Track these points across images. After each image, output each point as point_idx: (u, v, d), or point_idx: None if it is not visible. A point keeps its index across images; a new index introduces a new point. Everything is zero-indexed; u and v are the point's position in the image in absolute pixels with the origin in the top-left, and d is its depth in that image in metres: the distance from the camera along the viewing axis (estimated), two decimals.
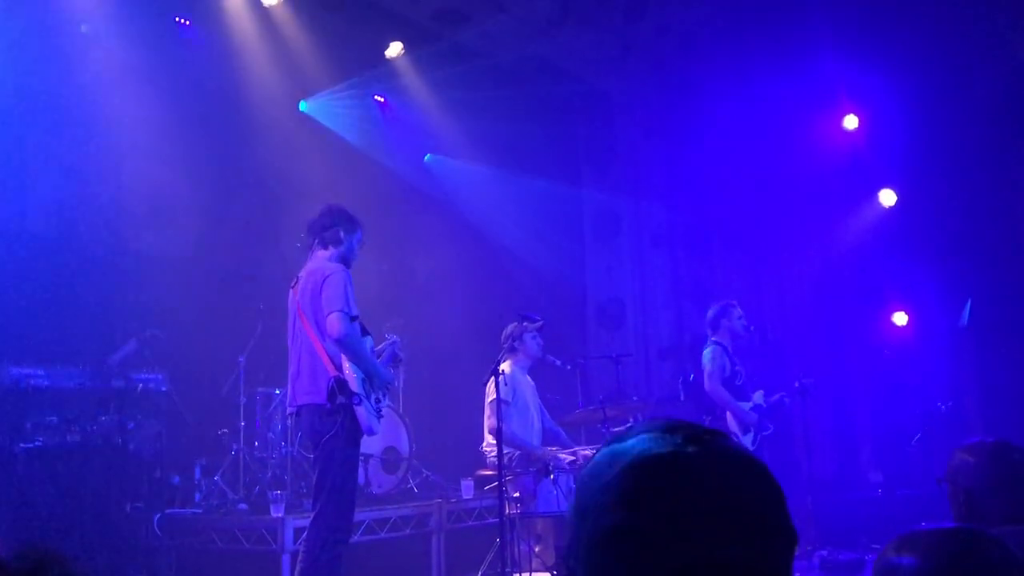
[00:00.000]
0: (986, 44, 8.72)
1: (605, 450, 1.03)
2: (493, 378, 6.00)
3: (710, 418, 7.09)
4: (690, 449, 0.97)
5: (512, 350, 6.70)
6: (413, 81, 9.56)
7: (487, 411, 6.64)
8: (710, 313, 7.43)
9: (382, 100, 9.91)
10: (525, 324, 6.58)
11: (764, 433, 7.23)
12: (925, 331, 9.61)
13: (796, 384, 6.90)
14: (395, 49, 9.37)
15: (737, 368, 7.28)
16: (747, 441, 7.05)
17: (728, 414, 7.09)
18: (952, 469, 2.54)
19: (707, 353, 7.24)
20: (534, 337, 6.73)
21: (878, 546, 7.61)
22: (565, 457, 6.45)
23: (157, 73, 7.67)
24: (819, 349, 9.73)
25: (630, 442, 1.01)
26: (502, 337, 6.74)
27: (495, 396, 6.21)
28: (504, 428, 5.95)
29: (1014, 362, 9.08)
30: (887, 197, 9.74)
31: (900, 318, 9.63)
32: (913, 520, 7.70)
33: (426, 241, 9.83)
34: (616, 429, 6.57)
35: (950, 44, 8.63)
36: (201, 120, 7.98)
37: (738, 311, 7.36)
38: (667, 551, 0.93)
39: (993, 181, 9.35)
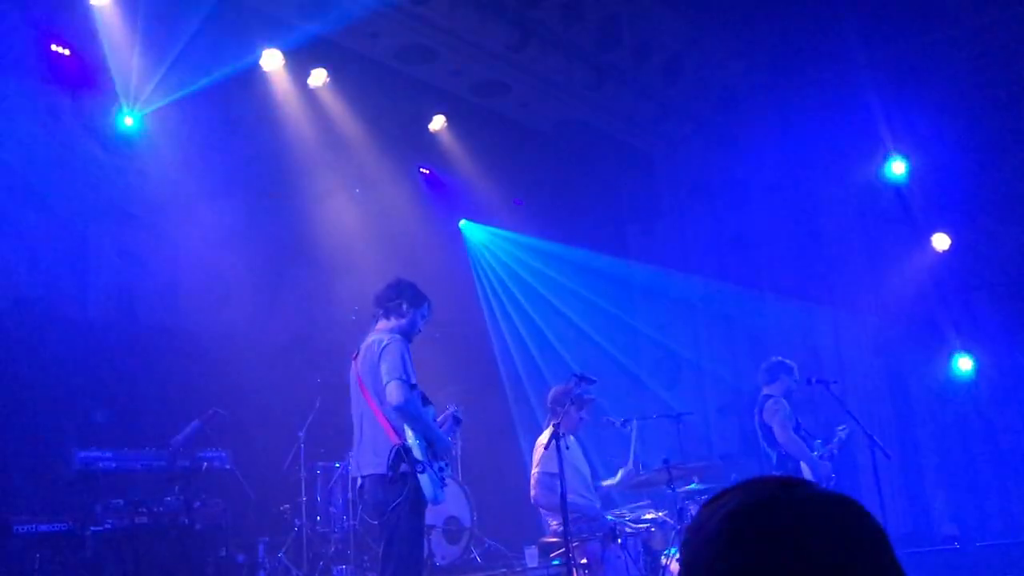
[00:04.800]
0: None
1: (705, 508, 1.04)
2: (539, 449, 6.01)
3: (780, 472, 6.90)
4: (784, 494, 0.99)
5: (555, 415, 6.51)
6: (457, 152, 9.74)
7: (532, 484, 6.53)
8: (766, 366, 7.30)
9: (427, 172, 10.10)
10: (571, 387, 6.39)
11: (829, 483, 7.05)
12: (991, 375, 9.36)
13: (840, 429, 6.74)
14: (438, 122, 9.57)
15: (798, 419, 7.14)
16: None
17: (803, 465, 6.87)
18: None
19: (770, 405, 7.07)
20: (578, 409, 6.45)
21: None
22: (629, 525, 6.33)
23: (210, 157, 7.92)
24: (882, 399, 9.52)
25: (726, 497, 1.02)
26: (548, 400, 6.66)
27: (538, 469, 6.21)
28: (554, 499, 5.88)
29: None
30: (941, 241, 9.59)
31: (965, 363, 9.40)
32: (995, 573, 7.41)
33: (475, 306, 9.90)
34: (681, 488, 6.46)
35: (993, 85, 8.59)
36: (254, 201, 8.20)
37: (794, 371, 7.23)
38: None
39: None
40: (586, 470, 6.78)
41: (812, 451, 7.03)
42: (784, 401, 7.06)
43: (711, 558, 0.97)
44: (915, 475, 9.59)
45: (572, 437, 6.73)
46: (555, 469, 5.95)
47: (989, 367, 9.38)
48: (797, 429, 7.08)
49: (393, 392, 4.82)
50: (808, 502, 0.98)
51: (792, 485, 1.00)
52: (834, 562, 0.93)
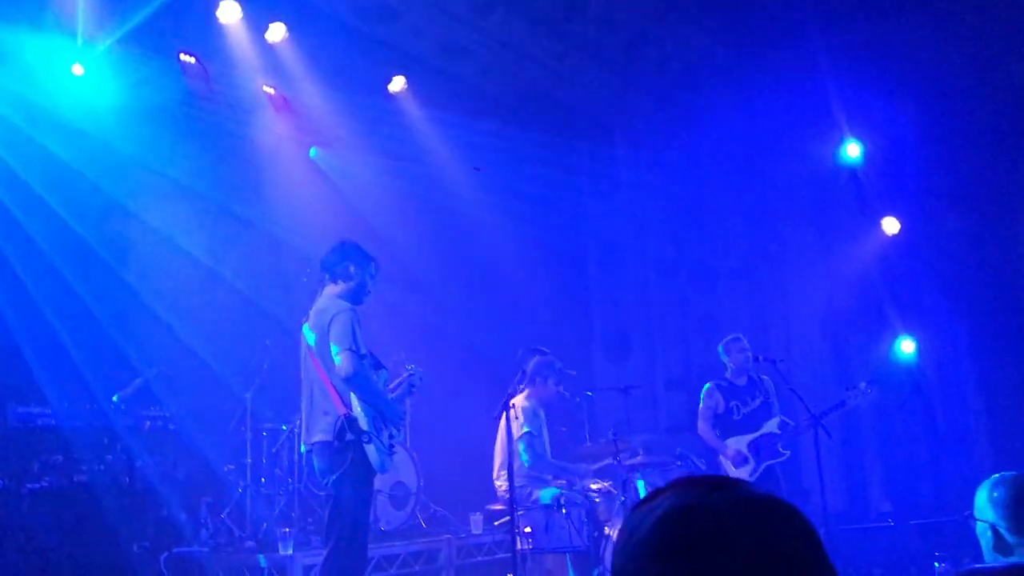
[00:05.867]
0: (985, 71, 8.77)
1: (635, 512, 1.04)
2: (520, 412, 6.08)
3: (709, 457, 7.39)
4: (714, 497, 0.98)
5: (533, 383, 6.77)
6: (416, 115, 9.60)
7: (515, 446, 6.54)
8: (719, 350, 7.56)
9: (384, 135, 9.93)
10: (553, 360, 6.67)
11: (775, 460, 7.23)
12: (932, 358, 9.58)
13: (816, 419, 6.84)
14: (398, 83, 9.42)
15: (732, 404, 7.34)
16: (744, 473, 7.11)
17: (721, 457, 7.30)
18: (979, 505, 2.51)
19: (701, 393, 7.43)
20: (558, 383, 6.79)
21: None
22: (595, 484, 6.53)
23: (159, 110, 7.71)
24: (827, 379, 9.70)
25: (656, 500, 1.02)
26: (528, 370, 6.70)
27: (526, 430, 6.33)
28: (541, 460, 6.28)
29: (1021, 387, 9.06)
30: (890, 225, 9.74)
31: (907, 346, 9.60)
32: (925, 551, 7.65)
33: (430, 273, 9.82)
34: (629, 461, 6.54)
35: (950, 71, 8.69)
36: (205, 158, 8.02)
37: (742, 344, 7.40)
38: None
39: (995, 207, 9.38)
40: (547, 443, 6.94)
41: (755, 431, 7.23)
42: (713, 387, 7.38)
43: (638, 564, 0.97)
44: (854, 453, 9.81)
45: (541, 410, 6.89)
46: (535, 430, 6.24)
47: (931, 351, 9.60)
48: (731, 412, 7.32)
49: (342, 363, 4.79)
50: (737, 506, 0.97)
51: (722, 487, 1.00)
52: (762, 568, 0.93)
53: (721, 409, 7.36)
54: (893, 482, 9.62)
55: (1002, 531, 2.43)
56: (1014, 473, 2.51)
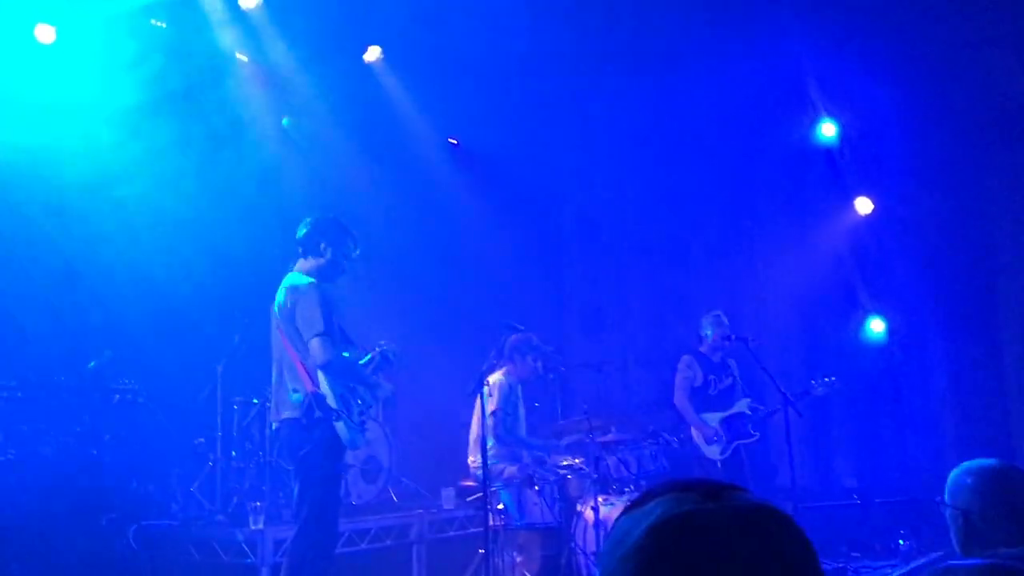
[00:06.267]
0: (963, 55, 8.80)
1: (625, 517, 1.02)
2: (495, 389, 6.09)
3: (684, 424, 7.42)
4: (708, 507, 0.97)
5: (512, 360, 6.80)
6: (391, 85, 9.48)
7: (489, 422, 6.56)
8: (702, 321, 7.63)
9: (358, 105, 9.80)
10: (532, 337, 6.72)
11: (745, 440, 7.32)
12: (901, 338, 9.69)
13: (786, 398, 6.91)
14: (373, 53, 9.29)
15: (710, 378, 7.40)
16: (714, 452, 7.18)
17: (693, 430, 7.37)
18: (951, 490, 2.53)
19: (679, 364, 7.47)
20: (536, 360, 6.84)
21: (857, 555, 7.69)
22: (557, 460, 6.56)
23: (129, 77, 7.54)
24: (796, 357, 9.79)
25: (648, 506, 1.00)
26: (506, 347, 6.71)
27: (498, 407, 6.33)
28: (512, 437, 6.37)
29: (987, 369, 9.20)
30: (864, 205, 9.80)
31: (877, 325, 9.71)
32: (890, 529, 7.79)
33: (404, 248, 9.76)
34: (600, 438, 6.56)
35: (928, 54, 8.70)
36: (176, 128, 7.87)
37: (722, 320, 7.47)
38: None
39: (969, 189, 9.46)
40: (523, 420, 6.98)
41: (727, 408, 7.31)
42: (690, 360, 7.43)
43: (626, 574, 0.95)
44: (822, 431, 9.93)
45: (519, 387, 6.93)
46: (510, 409, 6.27)
47: (901, 331, 9.70)
48: (707, 387, 7.38)
49: (317, 350, 4.72)
50: (731, 517, 0.95)
51: (717, 496, 0.98)
52: None
53: (699, 382, 7.40)
54: (860, 460, 9.75)
55: (974, 518, 2.44)
56: (989, 460, 2.52)
